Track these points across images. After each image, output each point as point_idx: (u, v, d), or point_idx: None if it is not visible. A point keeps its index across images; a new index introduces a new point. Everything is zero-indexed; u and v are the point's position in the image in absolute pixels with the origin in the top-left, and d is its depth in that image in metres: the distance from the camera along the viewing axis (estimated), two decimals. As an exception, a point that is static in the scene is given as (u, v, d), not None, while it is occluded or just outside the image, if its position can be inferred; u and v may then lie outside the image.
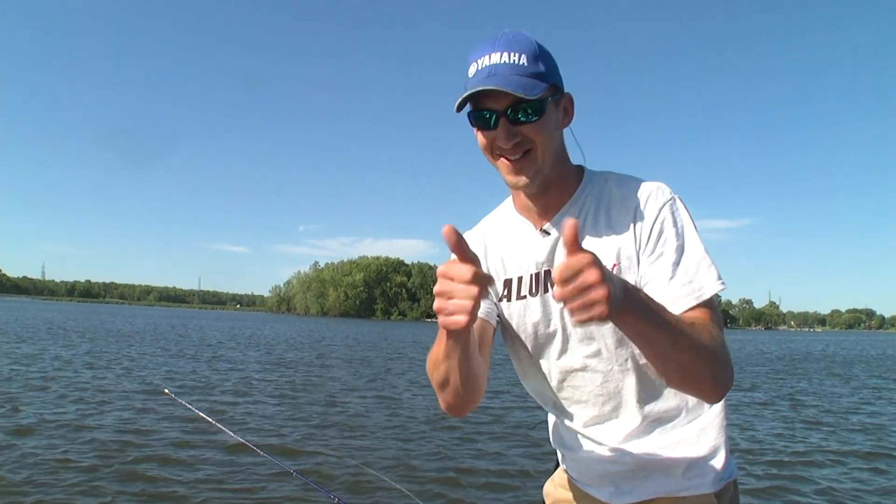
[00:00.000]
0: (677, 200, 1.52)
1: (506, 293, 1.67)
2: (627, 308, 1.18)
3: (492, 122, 1.46)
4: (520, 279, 1.65)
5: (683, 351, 1.28)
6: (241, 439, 3.13)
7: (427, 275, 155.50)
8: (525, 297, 1.64)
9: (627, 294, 1.18)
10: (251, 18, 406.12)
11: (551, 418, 1.85)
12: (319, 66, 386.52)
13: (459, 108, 1.47)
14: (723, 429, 1.62)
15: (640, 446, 1.60)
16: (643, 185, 1.54)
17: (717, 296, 1.45)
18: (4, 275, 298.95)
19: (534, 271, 1.62)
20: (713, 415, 1.61)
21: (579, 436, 1.71)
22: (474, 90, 1.40)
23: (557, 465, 1.91)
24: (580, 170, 1.64)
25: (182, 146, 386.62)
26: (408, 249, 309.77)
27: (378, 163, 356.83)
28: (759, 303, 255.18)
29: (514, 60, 1.42)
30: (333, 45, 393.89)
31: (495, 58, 1.43)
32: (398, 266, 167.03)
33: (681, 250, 1.46)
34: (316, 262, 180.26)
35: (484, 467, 7.67)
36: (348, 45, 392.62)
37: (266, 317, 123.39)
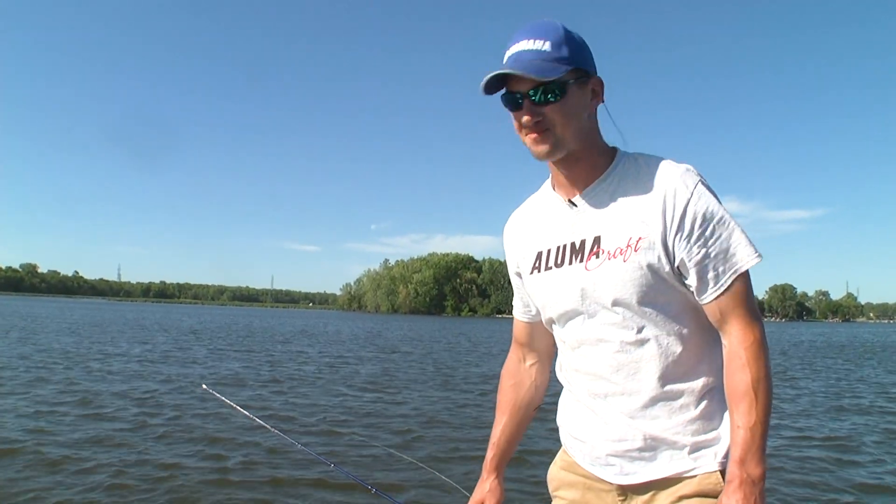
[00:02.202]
0: (703, 184, 1.58)
1: (537, 265, 1.77)
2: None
3: (519, 103, 1.59)
4: (548, 251, 1.74)
5: (771, 409, 1.53)
6: (279, 432, 3.16)
7: (497, 271, 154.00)
8: (551, 268, 1.73)
9: (761, 475, 1.48)
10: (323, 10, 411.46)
11: (563, 394, 1.87)
12: (389, 61, 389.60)
13: (488, 90, 1.59)
14: None
15: (647, 426, 1.63)
16: (671, 167, 1.60)
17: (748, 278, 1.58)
18: (81, 277, 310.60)
19: (561, 243, 1.71)
20: (724, 396, 1.62)
21: (587, 410, 1.73)
22: (492, 74, 1.55)
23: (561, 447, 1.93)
24: (614, 150, 1.71)
25: (252, 146, 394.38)
26: (478, 245, 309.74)
27: (449, 159, 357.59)
28: (837, 294, 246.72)
29: (538, 47, 1.55)
30: (401, 40, 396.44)
31: (521, 45, 1.57)
32: (468, 262, 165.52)
33: (716, 232, 1.54)
34: (386, 260, 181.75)
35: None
36: (416, 40, 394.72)
37: (336, 314, 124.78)
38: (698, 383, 1.63)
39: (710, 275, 1.54)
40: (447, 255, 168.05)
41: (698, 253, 1.53)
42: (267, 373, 14.96)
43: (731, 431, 1.53)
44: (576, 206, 1.68)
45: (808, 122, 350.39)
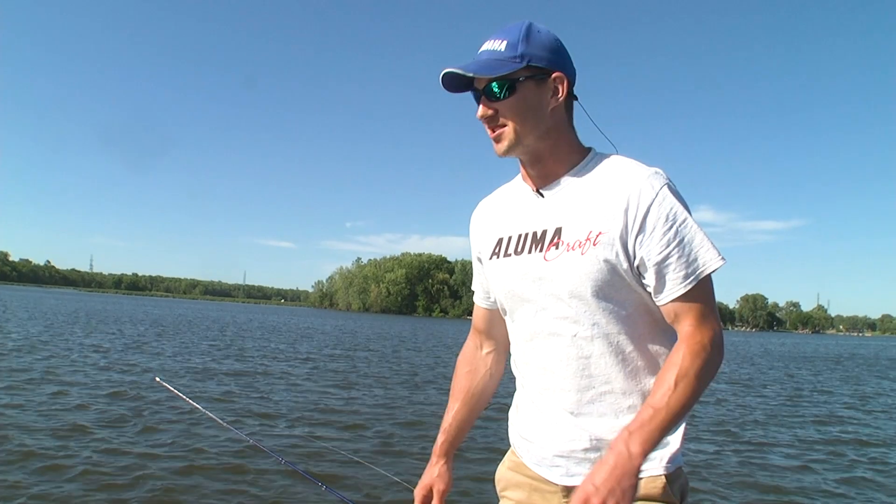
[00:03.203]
0: (669, 187, 1.58)
1: (496, 250, 1.79)
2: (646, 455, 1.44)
3: (479, 100, 1.66)
4: (509, 238, 1.75)
5: (688, 408, 1.50)
6: (229, 425, 3.06)
7: (470, 272, 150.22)
8: (510, 255, 1.73)
9: (640, 454, 1.43)
10: (304, 11, 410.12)
11: (516, 391, 1.86)
12: (372, 61, 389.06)
13: (458, 88, 1.66)
14: None
15: (593, 425, 1.63)
16: (640, 169, 1.61)
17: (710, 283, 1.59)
18: (53, 267, 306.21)
19: (523, 231, 1.72)
20: None
21: (536, 409, 1.73)
22: (443, 72, 1.60)
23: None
24: (588, 150, 1.73)
25: (230, 141, 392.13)
26: (454, 246, 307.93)
27: (427, 160, 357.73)
28: (807, 306, 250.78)
29: (495, 47, 1.62)
30: (379, 40, 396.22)
31: (484, 46, 1.65)
32: (441, 263, 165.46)
33: (678, 234, 1.54)
34: (358, 258, 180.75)
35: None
36: (396, 41, 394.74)
37: (307, 311, 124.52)
38: (647, 385, 1.63)
39: (670, 276, 1.54)
40: (420, 255, 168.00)
41: (659, 254, 1.53)
42: (229, 367, 14.81)
43: (640, 408, 1.52)
44: (542, 196, 1.69)
45: (785, 133, 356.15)
